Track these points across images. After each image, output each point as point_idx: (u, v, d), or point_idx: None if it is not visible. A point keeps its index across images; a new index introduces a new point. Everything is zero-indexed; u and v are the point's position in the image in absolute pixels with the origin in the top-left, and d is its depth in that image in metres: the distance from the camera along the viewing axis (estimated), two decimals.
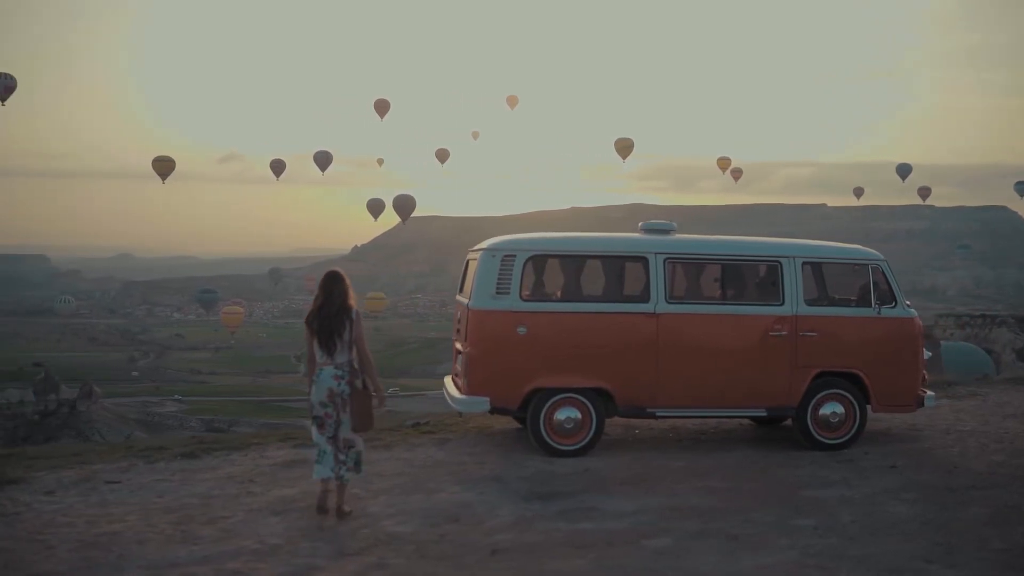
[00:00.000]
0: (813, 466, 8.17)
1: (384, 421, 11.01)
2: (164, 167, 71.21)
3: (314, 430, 6.58)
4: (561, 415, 8.39)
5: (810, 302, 8.84)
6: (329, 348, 6.47)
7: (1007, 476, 7.80)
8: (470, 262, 9.08)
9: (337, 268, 6.82)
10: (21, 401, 67.79)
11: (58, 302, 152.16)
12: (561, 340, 8.43)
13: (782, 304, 8.70)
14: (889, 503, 6.99)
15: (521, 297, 8.41)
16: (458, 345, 8.99)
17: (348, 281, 6.66)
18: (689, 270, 8.98)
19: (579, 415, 8.42)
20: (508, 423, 9.51)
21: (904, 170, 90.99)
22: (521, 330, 8.35)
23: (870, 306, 8.83)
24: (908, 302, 9.09)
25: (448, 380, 9.31)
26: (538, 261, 8.66)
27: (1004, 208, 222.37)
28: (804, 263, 8.83)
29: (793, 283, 8.72)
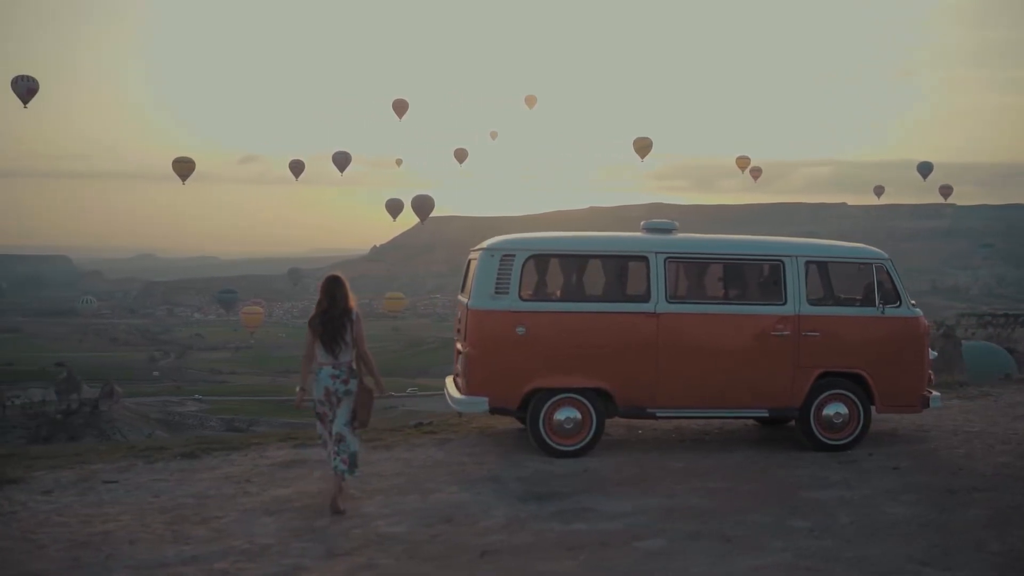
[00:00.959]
0: (814, 467, 8.09)
1: (387, 421, 11.06)
2: (184, 168, 71.72)
3: (319, 425, 6.98)
4: (561, 415, 8.35)
5: (813, 301, 8.75)
6: (333, 349, 6.76)
7: (1011, 477, 7.69)
8: (471, 262, 9.06)
9: (337, 272, 7.10)
10: (43, 401, 68.52)
11: (80, 302, 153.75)
12: (561, 340, 8.39)
13: (784, 304, 8.62)
14: (888, 505, 6.90)
15: (520, 297, 8.38)
16: (458, 345, 8.98)
17: (348, 284, 6.95)
18: (690, 269, 8.91)
19: (579, 415, 8.37)
20: (511, 423, 9.48)
21: (925, 168, 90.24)
22: (520, 330, 8.31)
23: (874, 305, 8.73)
24: (913, 301, 8.99)
25: (449, 380, 9.30)
26: (537, 261, 8.62)
27: None
28: (807, 262, 8.74)
29: (796, 282, 8.63)
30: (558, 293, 8.75)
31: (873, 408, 8.79)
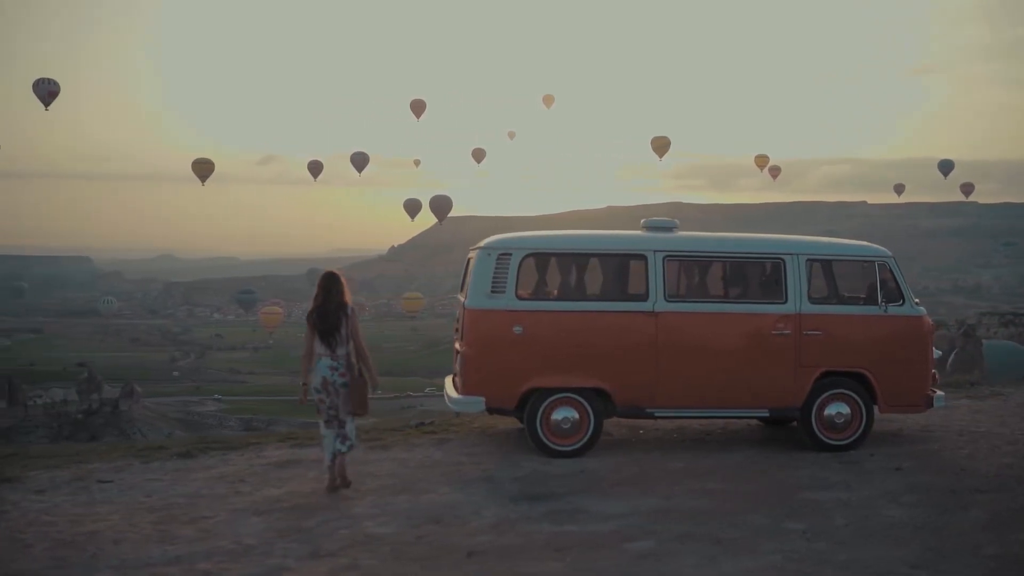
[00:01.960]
0: (815, 468, 7.98)
1: (388, 421, 11.02)
2: (204, 169, 72.03)
3: (318, 416, 7.24)
4: (558, 415, 8.28)
5: (814, 300, 8.65)
6: (329, 342, 7.09)
7: (1014, 479, 7.55)
8: (470, 261, 9.00)
9: (334, 269, 7.44)
10: (65, 400, 69.17)
11: (101, 303, 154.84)
12: (558, 339, 8.32)
13: (785, 302, 8.52)
14: (886, 506, 6.79)
15: (517, 296, 8.31)
16: (456, 345, 8.92)
17: (345, 281, 7.29)
18: (689, 268, 8.82)
19: (577, 415, 8.30)
20: (512, 424, 9.41)
21: (946, 166, 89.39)
22: (517, 329, 8.25)
23: (877, 304, 8.61)
24: (917, 300, 8.86)
25: (448, 380, 9.25)
26: (535, 259, 8.55)
27: None
28: (808, 260, 8.64)
29: (796, 281, 8.53)
30: (555, 292, 8.68)
31: (876, 408, 8.67)
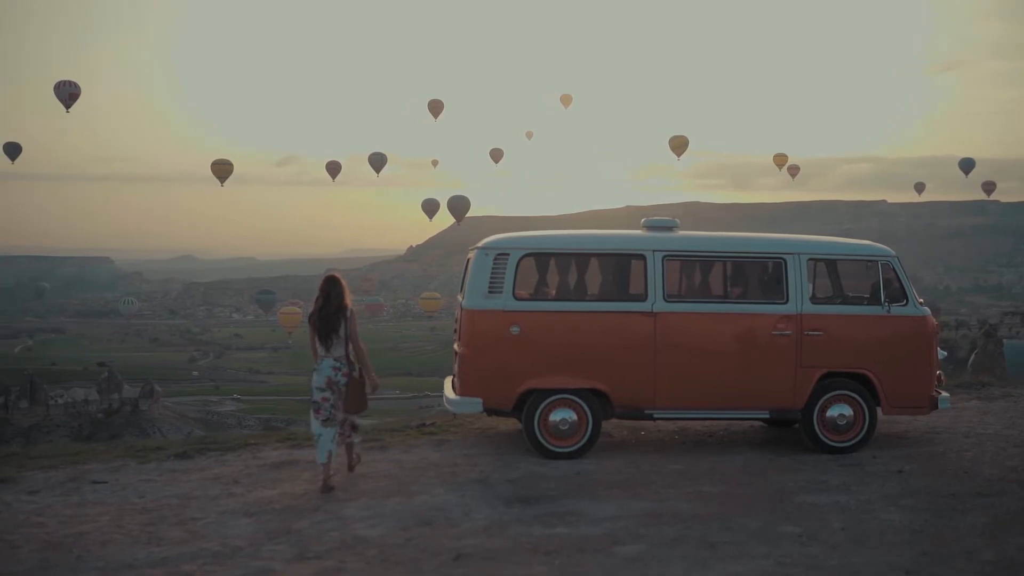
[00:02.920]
0: (815, 470, 7.88)
1: (389, 423, 10.98)
2: (223, 171, 72.44)
3: (311, 415, 7.38)
4: (556, 417, 8.22)
5: (816, 300, 8.55)
6: (327, 343, 7.33)
7: (1017, 483, 7.41)
8: (469, 261, 8.95)
9: (335, 272, 7.66)
10: (86, 400, 69.76)
11: (122, 303, 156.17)
12: (555, 340, 8.25)
13: (786, 302, 8.42)
14: (884, 510, 6.68)
15: (514, 296, 8.25)
16: (455, 346, 8.87)
17: (345, 284, 7.53)
18: (689, 268, 8.74)
19: (575, 417, 8.24)
20: (513, 425, 9.36)
21: (967, 164, 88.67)
22: (514, 330, 8.19)
23: (880, 304, 8.50)
24: (921, 300, 8.74)
25: (448, 381, 9.20)
26: (532, 259, 8.49)
27: None
28: (809, 260, 8.54)
29: (798, 281, 8.43)
30: (553, 292, 8.62)
31: (879, 410, 8.56)
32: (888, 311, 8.49)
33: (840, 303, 8.74)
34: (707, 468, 7.96)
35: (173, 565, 5.44)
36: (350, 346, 7.40)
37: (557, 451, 8.20)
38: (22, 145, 70.17)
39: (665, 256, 8.39)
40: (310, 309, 7.55)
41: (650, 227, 8.88)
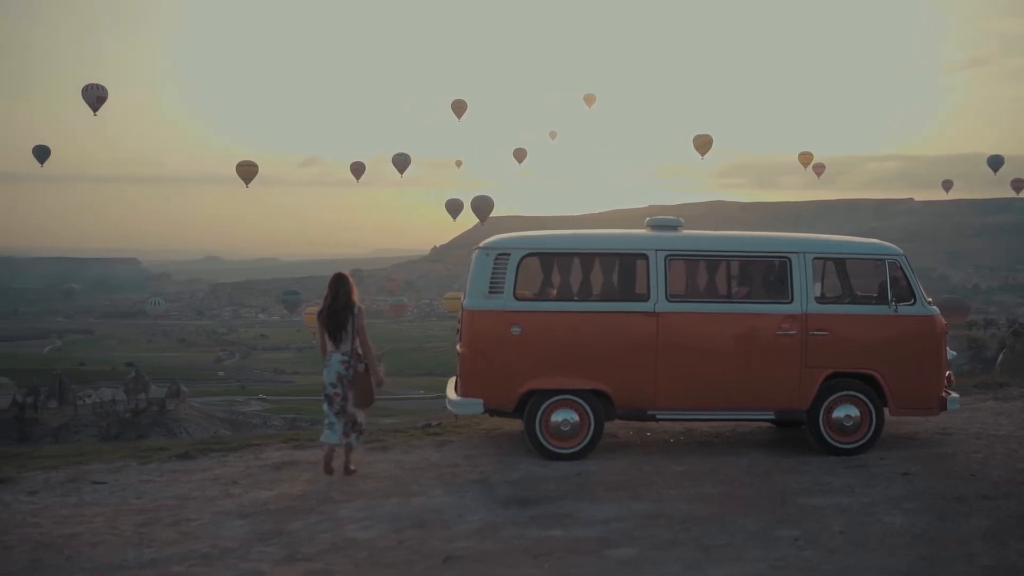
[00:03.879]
0: (819, 472, 7.77)
1: (396, 423, 10.97)
2: (247, 172, 72.75)
3: (325, 405, 7.63)
4: (558, 417, 8.16)
5: (821, 300, 8.43)
6: (336, 339, 7.58)
7: None
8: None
9: (343, 271, 7.92)
10: (114, 400, 70.50)
11: (149, 304, 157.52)
12: (557, 340, 8.19)
13: (791, 302, 8.31)
14: (886, 513, 6.57)
15: (515, 296, 8.20)
16: (458, 346, 8.84)
17: (352, 282, 7.80)
18: (692, 267, 8.65)
19: (576, 418, 8.18)
20: (518, 426, 9.29)
21: (996, 162, 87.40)
22: (515, 330, 8.14)
23: (887, 303, 8.37)
24: (930, 299, 8.60)
25: (451, 382, 9.16)
26: (533, 259, 8.43)
27: None
28: (815, 259, 8.42)
29: (803, 280, 8.32)
30: (554, 292, 8.55)
31: (887, 411, 8.43)
32: (895, 310, 8.36)
33: (847, 303, 8.62)
34: (710, 469, 7.87)
35: (162, 566, 5.44)
36: (357, 341, 7.63)
37: (559, 452, 8.15)
38: (51, 148, 70.88)
39: (668, 256, 8.31)
40: (319, 307, 7.81)
41: (654, 226, 8.81)
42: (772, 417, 8.50)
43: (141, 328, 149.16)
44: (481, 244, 8.56)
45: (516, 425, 9.29)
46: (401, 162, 76.72)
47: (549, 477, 7.58)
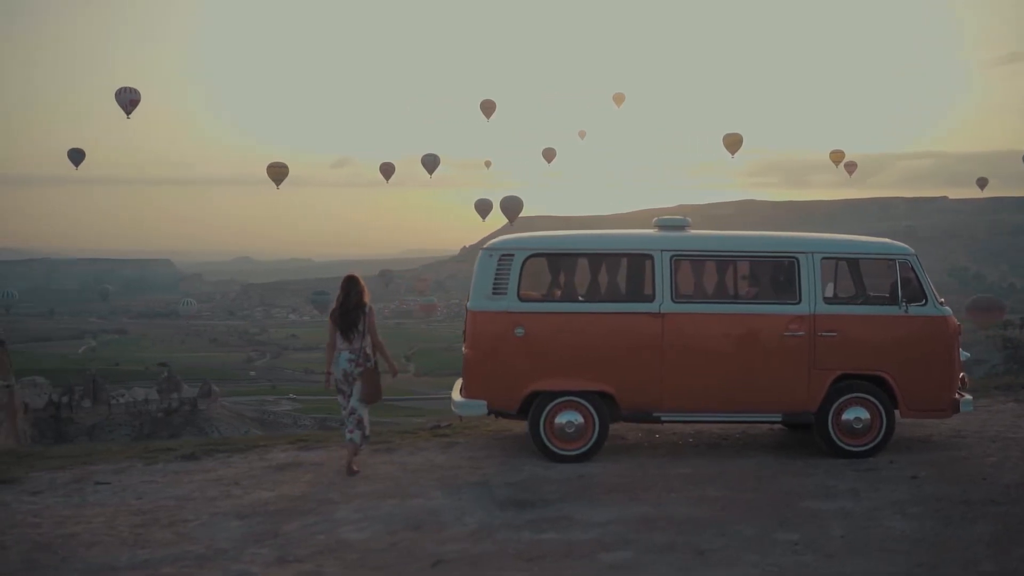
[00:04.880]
0: (826, 475, 7.65)
1: (405, 424, 10.97)
2: (278, 173, 73.23)
3: (340, 399, 8.00)
4: (562, 419, 8.11)
5: (830, 300, 8.31)
6: (348, 337, 7.90)
7: None
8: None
9: (354, 272, 8.21)
10: (147, 399, 71.36)
11: (181, 305, 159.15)
12: (561, 341, 8.14)
13: (799, 302, 8.20)
14: (890, 517, 6.45)
15: (519, 297, 8.16)
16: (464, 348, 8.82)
17: (363, 283, 8.10)
18: (698, 268, 8.55)
19: (581, 419, 8.12)
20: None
21: None
22: (519, 331, 8.10)
23: (897, 304, 8.23)
24: (942, 299, 8.44)
25: (457, 383, 9.14)
26: (537, 260, 8.38)
27: None
28: (823, 259, 8.30)
29: (811, 280, 8.20)
30: (559, 293, 8.50)
31: (898, 413, 8.29)
32: (906, 311, 8.22)
33: (858, 303, 8.48)
34: (715, 472, 7.78)
35: (154, 568, 5.47)
36: (367, 340, 7.94)
37: (563, 454, 8.10)
38: (86, 151, 71.74)
39: (673, 256, 8.23)
40: (331, 307, 8.05)
41: (661, 226, 8.73)
42: (779, 419, 8.39)
43: (174, 328, 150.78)
44: (485, 245, 8.53)
45: (524, 427, 9.25)
46: (430, 163, 76.89)
47: (551, 479, 7.53)
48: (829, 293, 8.50)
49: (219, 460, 8.30)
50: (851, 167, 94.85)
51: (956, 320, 8.52)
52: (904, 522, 6.35)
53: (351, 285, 8.01)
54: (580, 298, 8.47)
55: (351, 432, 7.83)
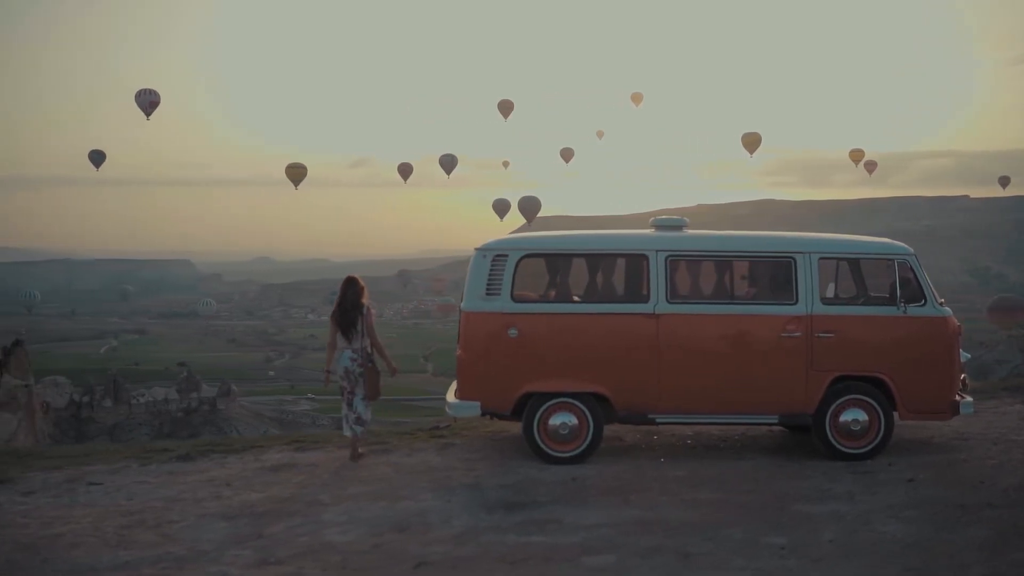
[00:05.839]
0: (824, 478, 7.56)
1: (397, 425, 10.95)
2: (297, 174, 73.44)
3: (343, 397, 8.36)
4: (556, 421, 8.06)
5: (827, 301, 8.21)
6: (348, 336, 8.23)
7: None
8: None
9: (353, 275, 8.50)
10: (166, 399, 71.88)
11: (200, 305, 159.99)
12: (555, 342, 8.09)
13: (795, 303, 8.11)
14: (883, 521, 6.36)
15: (513, 298, 8.12)
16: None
17: (362, 284, 8.43)
18: (694, 268, 8.48)
19: (575, 421, 8.07)
20: None
21: None
22: (512, 332, 8.05)
23: (895, 304, 8.13)
24: (942, 300, 8.32)
25: (453, 384, 9.10)
26: (531, 261, 8.33)
27: None
28: (821, 259, 8.21)
29: (808, 280, 8.11)
30: (553, 294, 8.45)
31: (896, 415, 8.19)
32: (904, 311, 8.11)
33: (858, 303, 8.38)
34: (711, 474, 7.70)
35: (133, 569, 5.46)
36: (367, 340, 8.26)
37: (557, 456, 8.05)
38: (106, 153, 72.22)
39: (668, 256, 8.16)
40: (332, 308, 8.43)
41: (658, 226, 8.67)
42: (776, 421, 8.30)
43: (193, 328, 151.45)
44: (479, 245, 8.49)
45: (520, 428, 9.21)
46: (448, 163, 76.92)
47: (544, 481, 7.48)
48: (830, 294, 8.41)
49: (214, 461, 8.30)
50: (871, 166, 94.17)
51: (956, 321, 8.40)
52: (897, 526, 6.26)
53: (349, 286, 8.36)
54: (575, 299, 8.42)
55: (353, 425, 8.25)
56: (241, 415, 72.88)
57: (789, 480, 7.54)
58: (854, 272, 8.53)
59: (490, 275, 8.14)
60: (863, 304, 8.35)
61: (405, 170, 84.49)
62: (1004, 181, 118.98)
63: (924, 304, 8.16)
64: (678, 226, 8.64)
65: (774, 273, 8.34)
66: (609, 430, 8.67)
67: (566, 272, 8.45)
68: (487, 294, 8.13)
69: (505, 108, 74.35)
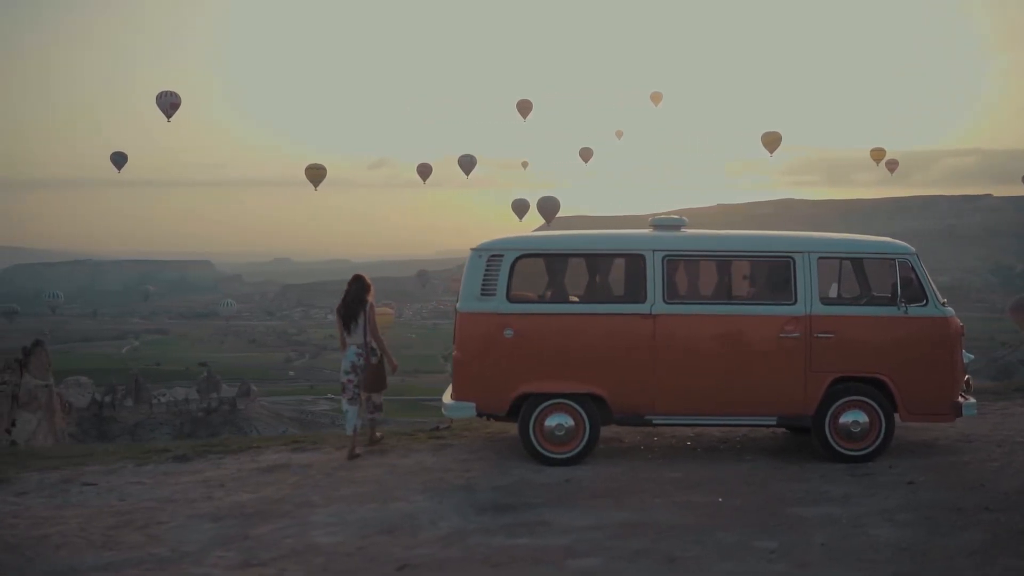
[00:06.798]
0: (821, 480, 7.46)
1: (409, 425, 10.92)
2: (316, 175, 73.62)
3: (342, 395, 8.62)
4: (552, 422, 8.00)
5: (827, 301, 8.11)
6: (349, 329, 8.61)
7: None
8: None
9: (359, 272, 8.98)
10: (187, 399, 72.37)
11: (221, 305, 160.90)
12: (551, 343, 8.04)
13: (794, 303, 8.01)
14: (877, 525, 6.25)
15: (509, 298, 8.07)
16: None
17: (367, 281, 8.82)
18: (691, 268, 8.39)
19: (571, 422, 8.01)
20: None
21: None
22: (508, 333, 8.01)
23: (896, 304, 8.01)
24: (944, 300, 8.20)
25: (450, 385, 9.06)
26: (527, 261, 8.27)
27: None
28: (820, 258, 8.10)
29: (807, 280, 8.01)
30: (549, 294, 8.39)
31: (897, 417, 8.07)
32: (905, 312, 7.99)
33: (859, 303, 8.28)
34: (707, 477, 7.62)
35: (116, 570, 5.45)
36: (370, 336, 8.58)
37: (553, 457, 7.99)
38: (128, 154, 72.71)
39: (665, 256, 8.08)
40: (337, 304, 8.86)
41: (657, 226, 8.60)
42: (775, 423, 8.20)
43: (214, 329, 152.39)
44: (475, 245, 8.44)
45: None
46: (467, 163, 76.88)
47: (538, 483, 7.42)
48: (832, 293, 8.31)
49: (211, 461, 8.30)
50: (892, 165, 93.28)
51: (958, 321, 8.28)
52: (890, 530, 6.15)
53: (353, 282, 8.80)
54: (572, 299, 8.36)
55: (371, 413, 8.69)
56: (261, 415, 73.33)
57: (786, 482, 7.44)
58: (856, 272, 8.42)
59: (485, 275, 8.10)
60: (864, 304, 8.24)
61: (424, 171, 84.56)
62: None
63: (926, 304, 8.04)
64: (676, 226, 8.56)
65: (772, 273, 8.25)
66: (608, 431, 8.62)
67: (562, 272, 8.39)
68: (483, 294, 8.09)
69: (524, 108, 74.21)
